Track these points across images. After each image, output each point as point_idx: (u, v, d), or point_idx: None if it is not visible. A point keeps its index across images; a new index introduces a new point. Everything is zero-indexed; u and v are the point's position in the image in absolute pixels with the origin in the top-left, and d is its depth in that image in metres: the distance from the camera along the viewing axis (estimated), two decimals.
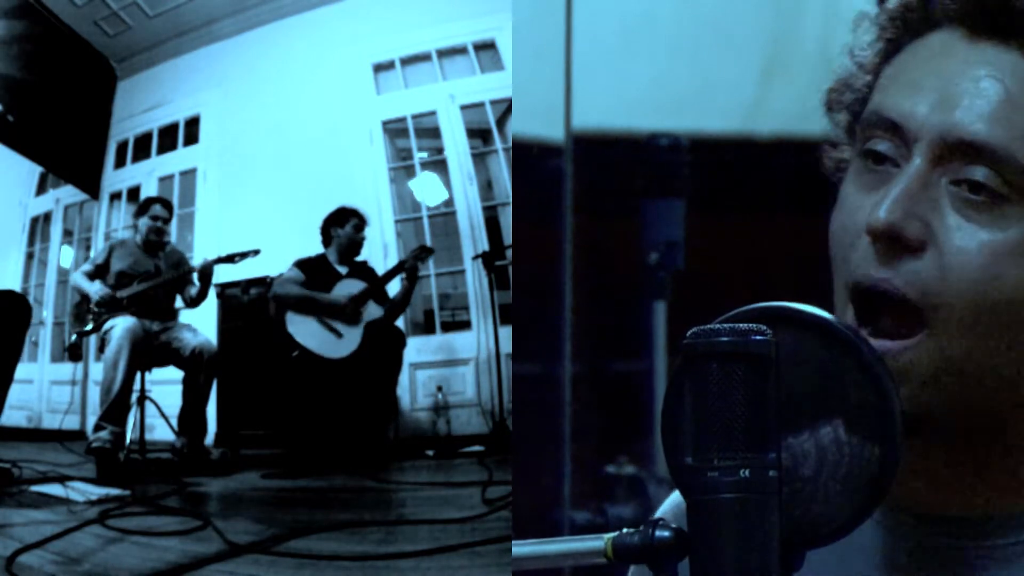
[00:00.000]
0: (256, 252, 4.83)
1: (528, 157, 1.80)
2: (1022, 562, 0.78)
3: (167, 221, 4.85)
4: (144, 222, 4.80)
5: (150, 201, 4.96)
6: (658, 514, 0.92)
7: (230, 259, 4.79)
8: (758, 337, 0.65)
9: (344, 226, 4.90)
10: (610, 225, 1.90)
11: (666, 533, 0.67)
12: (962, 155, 0.75)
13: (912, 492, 0.81)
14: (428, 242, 5.36)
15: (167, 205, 4.95)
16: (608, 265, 1.91)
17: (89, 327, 4.61)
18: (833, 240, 0.81)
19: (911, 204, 0.76)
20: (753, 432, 0.64)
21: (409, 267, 4.79)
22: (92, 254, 5.42)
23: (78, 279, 4.74)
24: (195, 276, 4.73)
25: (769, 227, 1.85)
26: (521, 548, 0.73)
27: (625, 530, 0.68)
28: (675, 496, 0.96)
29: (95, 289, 4.62)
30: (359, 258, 5.00)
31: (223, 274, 4.92)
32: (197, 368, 4.51)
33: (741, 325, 0.66)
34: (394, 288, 4.93)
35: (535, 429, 1.87)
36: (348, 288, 4.76)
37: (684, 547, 0.66)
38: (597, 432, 1.91)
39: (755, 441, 0.64)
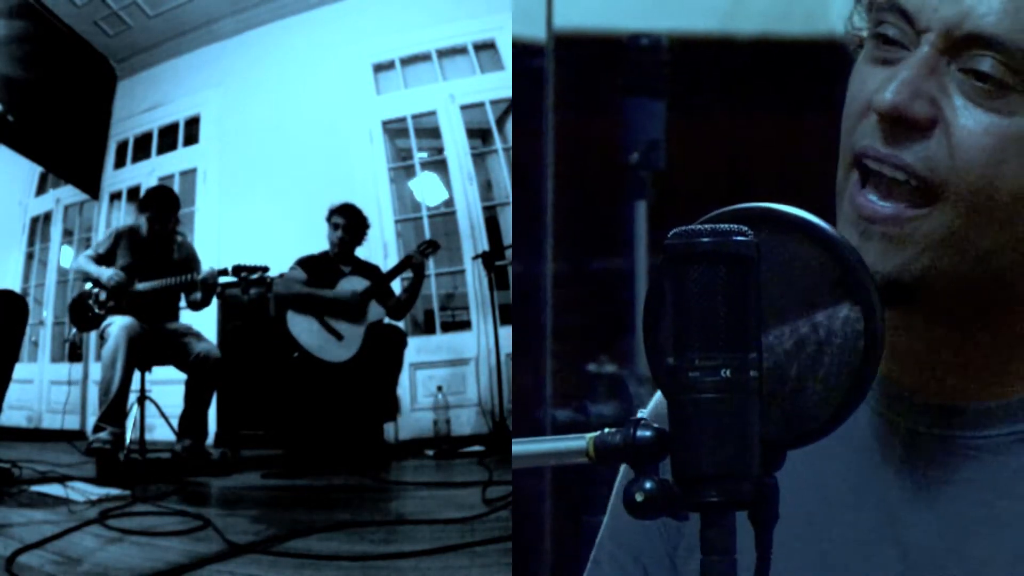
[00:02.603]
0: (264, 269, 4.81)
1: (513, 56, 1.79)
2: (1011, 451, 0.81)
3: (166, 219, 4.78)
4: (144, 220, 4.77)
5: (149, 198, 4.89)
6: (642, 413, 0.94)
7: (236, 273, 4.76)
8: (740, 238, 0.65)
9: (330, 224, 4.91)
10: (591, 124, 1.88)
11: (647, 433, 0.67)
12: (970, 46, 0.77)
13: (910, 380, 0.85)
14: None
15: (164, 200, 4.84)
16: (589, 164, 1.90)
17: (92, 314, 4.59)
18: (845, 110, 0.83)
19: (918, 84, 0.78)
20: (734, 332, 0.64)
21: (416, 263, 4.78)
22: (95, 242, 5.35)
23: (85, 264, 4.67)
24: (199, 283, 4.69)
25: (750, 128, 1.85)
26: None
27: (606, 430, 0.69)
28: (659, 396, 0.97)
29: (107, 273, 4.57)
30: (360, 255, 4.99)
31: (225, 276, 4.90)
32: (200, 373, 4.49)
33: (723, 226, 0.66)
34: (396, 286, 4.93)
35: (521, 329, 1.88)
36: (351, 286, 4.76)
37: (664, 447, 0.66)
38: (578, 331, 1.90)
39: (736, 341, 0.64)
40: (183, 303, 4.81)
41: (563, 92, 1.79)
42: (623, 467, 0.94)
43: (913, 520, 0.83)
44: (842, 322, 0.67)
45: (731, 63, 1.89)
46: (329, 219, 4.92)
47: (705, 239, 0.65)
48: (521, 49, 1.82)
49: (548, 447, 0.72)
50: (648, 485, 0.66)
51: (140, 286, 4.60)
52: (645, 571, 0.95)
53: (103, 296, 4.60)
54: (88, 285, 4.69)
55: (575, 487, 1.97)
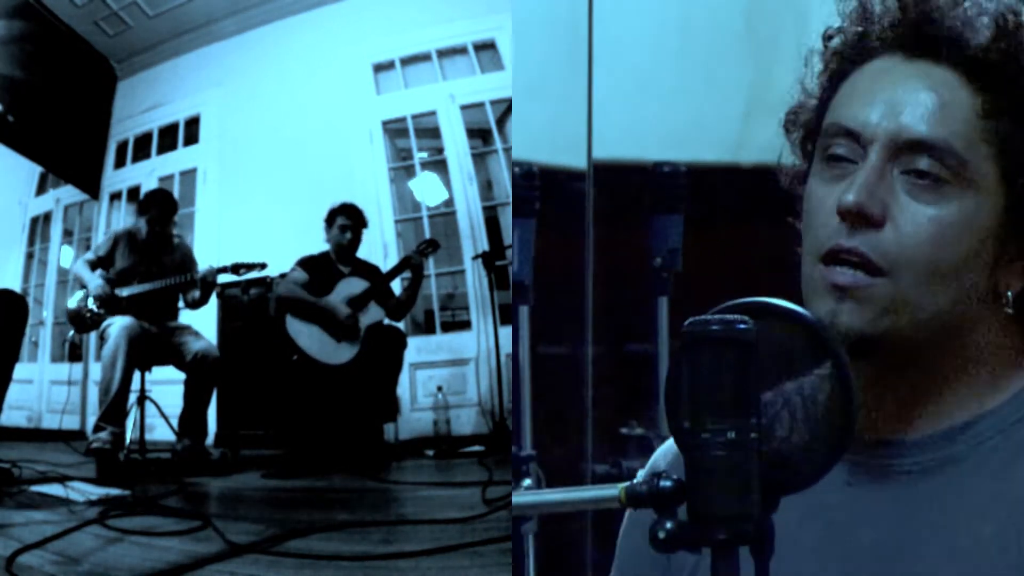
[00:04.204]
0: (263, 266, 4.80)
1: (556, 182, 2.33)
2: (934, 473, 1.00)
3: (162, 221, 4.79)
4: (143, 223, 4.78)
5: (148, 201, 4.91)
6: (652, 460, 1.16)
7: (235, 270, 4.77)
8: (742, 326, 0.80)
9: (332, 227, 4.89)
10: (623, 235, 2.39)
11: (668, 483, 0.81)
12: (910, 150, 0.97)
13: (861, 421, 1.00)
14: None
15: (163, 203, 4.87)
16: (622, 268, 2.39)
17: (82, 306, 4.60)
18: (805, 223, 1.03)
19: (872, 189, 0.97)
20: (738, 402, 0.79)
21: (415, 263, 4.78)
22: (94, 245, 5.37)
23: (80, 269, 4.70)
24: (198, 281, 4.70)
25: (751, 238, 2.31)
26: (549, 495, 0.92)
27: (635, 480, 0.83)
28: (662, 448, 1.17)
29: (95, 284, 4.59)
30: (360, 255, 4.99)
31: (225, 275, 4.91)
32: (199, 372, 4.50)
33: (728, 316, 0.81)
34: (395, 286, 4.93)
35: (561, 401, 2.36)
36: (350, 287, 4.75)
37: (682, 494, 0.80)
38: (613, 401, 2.39)
39: (739, 409, 0.79)
40: (181, 303, 4.82)
41: (600, 209, 2.33)
42: (627, 515, 1.14)
43: (856, 531, 1.01)
44: (826, 392, 0.82)
45: (736, 186, 2.41)
46: (332, 220, 4.89)
47: (715, 327, 0.80)
48: (565, 175, 2.35)
49: (588, 495, 0.90)
50: (669, 525, 0.80)
51: (125, 291, 4.61)
52: None
53: (92, 304, 4.61)
54: (81, 292, 4.71)
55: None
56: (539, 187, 2.31)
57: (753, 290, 0.86)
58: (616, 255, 2.40)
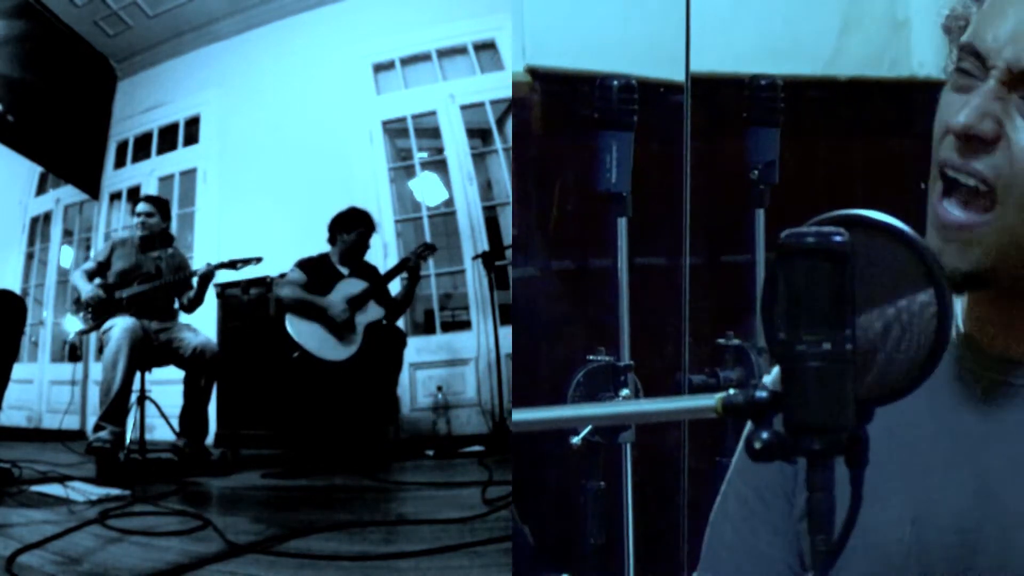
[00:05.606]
0: (258, 260, 4.83)
1: (655, 95, 2.32)
2: None
3: (150, 216, 4.83)
4: (138, 226, 4.82)
5: (138, 199, 4.98)
6: (767, 379, 1.17)
7: (232, 265, 4.80)
8: (838, 238, 0.79)
9: (350, 232, 4.89)
10: (720, 148, 2.41)
11: (763, 394, 0.82)
12: None
13: (988, 340, 1.07)
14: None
15: (152, 200, 4.96)
16: (719, 180, 2.40)
17: (83, 327, 4.62)
18: (935, 129, 1.06)
19: (985, 108, 1.00)
20: (833, 313, 0.78)
21: (412, 265, 4.78)
22: (93, 252, 5.43)
23: (77, 278, 4.75)
24: (194, 280, 4.73)
25: (846, 150, 2.45)
26: (646, 405, 0.93)
27: (731, 391, 0.83)
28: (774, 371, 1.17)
29: (87, 289, 4.63)
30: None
31: (224, 274, 4.93)
32: (198, 368, 4.51)
33: (824, 228, 0.80)
34: (394, 287, 4.93)
35: (658, 311, 2.36)
36: (349, 288, 4.76)
37: (778, 404, 0.81)
38: (710, 312, 2.40)
39: (835, 321, 0.78)
40: (177, 305, 4.84)
41: (697, 122, 2.33)
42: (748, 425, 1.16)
43: (989, 449, 1.04)
44: (920, 305, 0.83)
45: (831, 99, 2.46)
46: (349, 226, 4.89)
47: (810, 239, 0.79)
48: (664, 88, 2.35)
49: (684, 405, 0.92)
50: (765, 435, 0.80)
51: (129, 291, 4.63)
52: (765, 503, 1.17)
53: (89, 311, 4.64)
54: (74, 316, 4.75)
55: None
56: (637, 100, 2.27)
57: (849, 203, 0.85)
58: (713, 167, 2.40)
